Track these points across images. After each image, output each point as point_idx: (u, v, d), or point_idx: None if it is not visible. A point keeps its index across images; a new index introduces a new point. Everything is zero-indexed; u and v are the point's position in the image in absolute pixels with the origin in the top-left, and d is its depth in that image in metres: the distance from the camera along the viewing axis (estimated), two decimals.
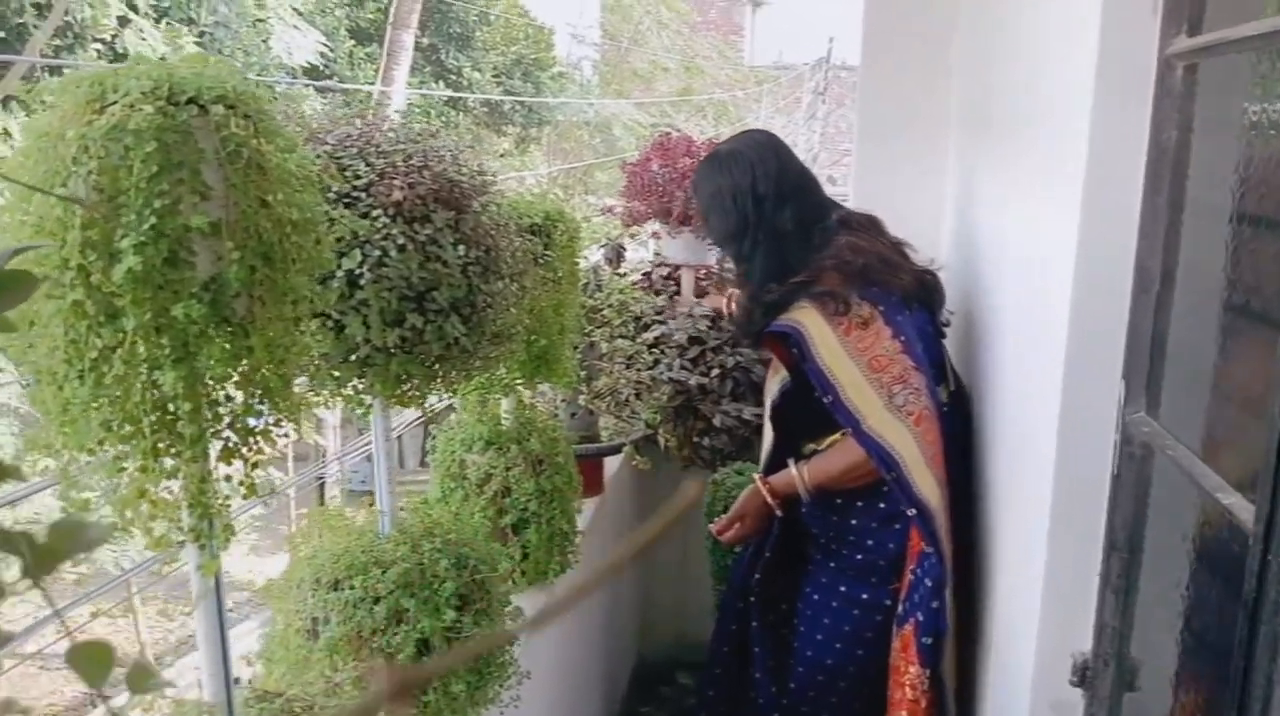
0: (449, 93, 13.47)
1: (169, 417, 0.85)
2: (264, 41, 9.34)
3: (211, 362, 0.83)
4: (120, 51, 7.86)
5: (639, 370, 2.60)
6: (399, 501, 1.51)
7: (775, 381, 2.21)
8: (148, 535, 0.88)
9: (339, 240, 1.22)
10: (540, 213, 1.81)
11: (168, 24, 8.33)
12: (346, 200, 1.24)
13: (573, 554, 1.96)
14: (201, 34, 9.14)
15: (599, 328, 2.46)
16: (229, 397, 0.87)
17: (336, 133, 1.27)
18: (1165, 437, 1.36)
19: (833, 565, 2.17)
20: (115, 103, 0.81)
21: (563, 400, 2.39)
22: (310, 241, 0.94)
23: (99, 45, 8.29)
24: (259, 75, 10.02)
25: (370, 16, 13.12)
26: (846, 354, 1.93)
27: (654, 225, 3.16)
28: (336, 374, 1.27)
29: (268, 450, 0.98)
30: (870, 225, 2.11)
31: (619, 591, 3.04)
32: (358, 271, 1.21)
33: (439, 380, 1.35)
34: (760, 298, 2.04)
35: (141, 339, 0.82)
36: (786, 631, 2.29)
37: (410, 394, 1.32)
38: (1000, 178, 2.02)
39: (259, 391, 0.87)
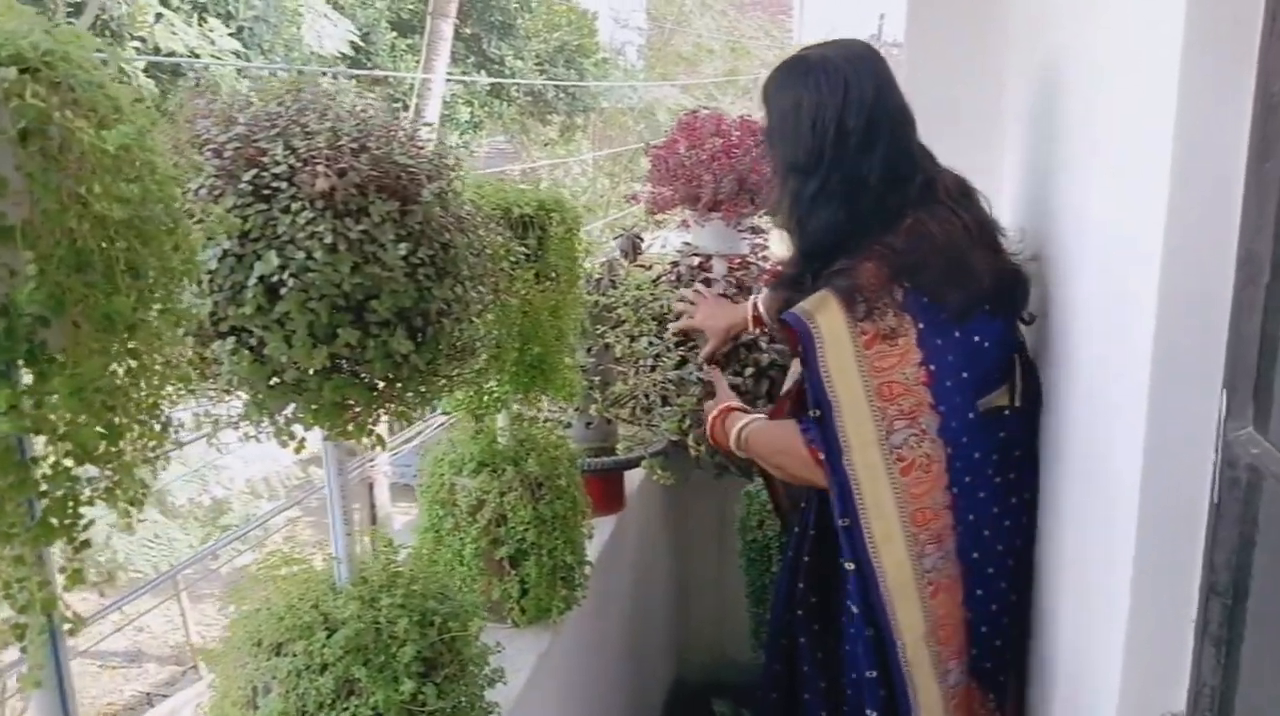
0: (491, 80, 13.31)
1: None
2: (297, 31, 9.23)
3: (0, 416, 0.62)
4: (154, 48, 7.80)
5: (664, 371, 2.37)
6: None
7: (796, 364, 1.90)
8: None
9: (254, 240, 1.01)
10: (533, 202, 1.58)
11: (201, 18, 8.25)
12: (266, 192, 1.03)
13: (580, 588, 1.73)
14: (240, 28, 9.06)
15: (614, 328, 2.22)
16: (35, 460, 0.66)
17: (252, 110, 1.06)
18: None
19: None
20: None
21: (575, 409, 2.17)
22: (164, 246, 0.72)
23: (137, 43, 8.24)
24: (301, 68, 9.94)
25: (411, 7, 13.00)
26: (858, 370, 1.62)
27: (682, 213, 2.92)
28: (260, 401, 1.06)
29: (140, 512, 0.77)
30: (961, 197, 1.72)
31: (651, 609, 2.81)
32: (275, 278, 1.00)
33: (390, 405, 1.13)
34: (787, 295, 1.73)
35: None
36: (834, 642, 2.03)
37: (352, 422, 1.10)
38: (1070, 145, 1.74)
39: (73, 451, 0.65)
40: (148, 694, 10.00)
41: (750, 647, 2.61)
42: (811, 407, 1.66)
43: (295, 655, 1.12)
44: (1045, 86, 1.91)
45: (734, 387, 2.53)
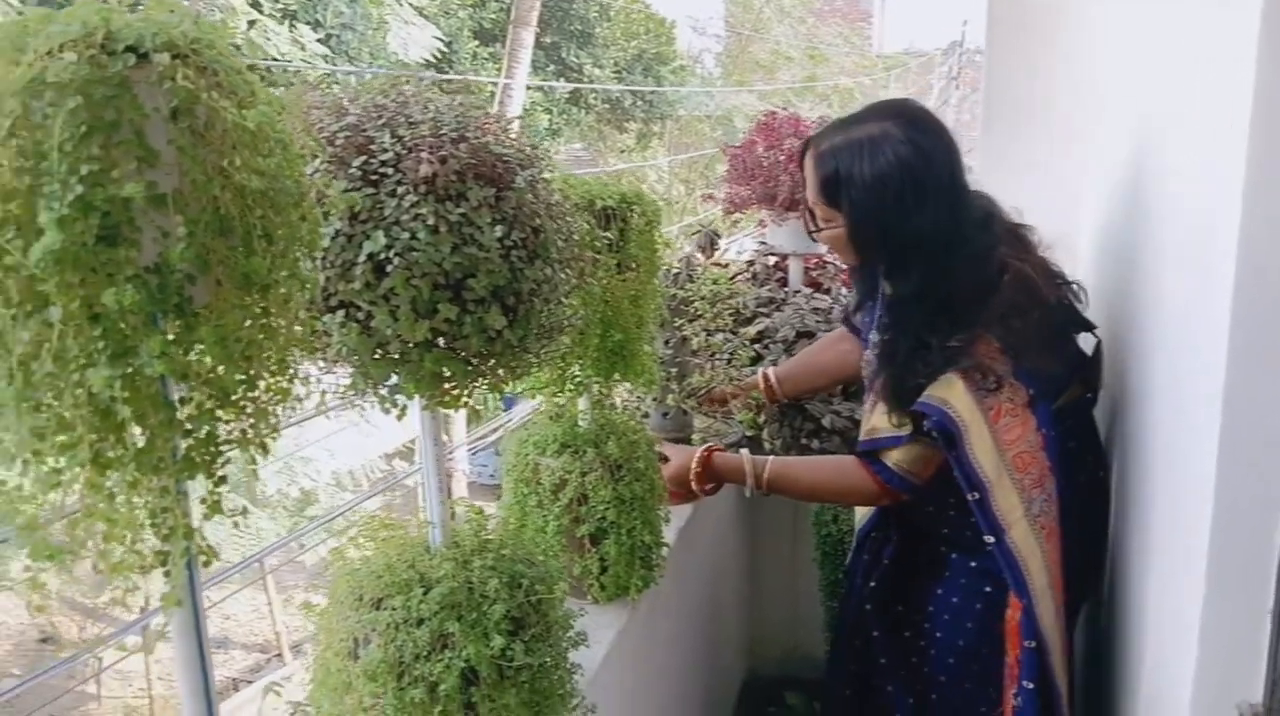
0: (569, 85, 13.48)
1: (113, 423, 0.72)
2: (383, 38, 9.48)
3: (153, 359, 0.70)
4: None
5: (739, 367, 2.41)
6: None
7: (882, 420, 1.80)
8: (103, 559, 0.76)
9: (363, 221, 1.09)
10: (615, 195, 1.64)
11: (291, 24, 8.53)
12: (374, 177, 1.10)
13: (658, 568, 1.79)
14: (328, 36, 9.34)
15: (691, 321, 2.28)
16: (183, 401, 0.74)
17: (362, 102, 1.14)
18: None
19: (974, 563, 1.89)
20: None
21: (653, 399, 2.22)
22: (292, 217, 0.80)
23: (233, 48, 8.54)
24: (389, 73, 10.21)
25: (493, 17, 13.25)
26: (995, 445, 1.65)
27: (759, 213, 2.96)
28: (366, 371, 1.14)
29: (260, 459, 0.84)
30: (1020, 249, 1.76)
31: (725, 601, 2.86)
32: (382, 256, 1.07)
33: (483, 378, 1.20)
34: (906, 377, 1.72)
35: (72, 332, 0.69)
36: (910, 634, 2.04)
37: (450, 393, 1.18)
38: (1151, 162, 1.74)
39: (214, 395, 0.73)
40: (233, 679, 10.33)
41: (823, 641, 2.63)
42: (967, 492, 1.69)
43: (394, 609, 1.20)
44: (1123, 98, 1.91)
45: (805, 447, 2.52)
